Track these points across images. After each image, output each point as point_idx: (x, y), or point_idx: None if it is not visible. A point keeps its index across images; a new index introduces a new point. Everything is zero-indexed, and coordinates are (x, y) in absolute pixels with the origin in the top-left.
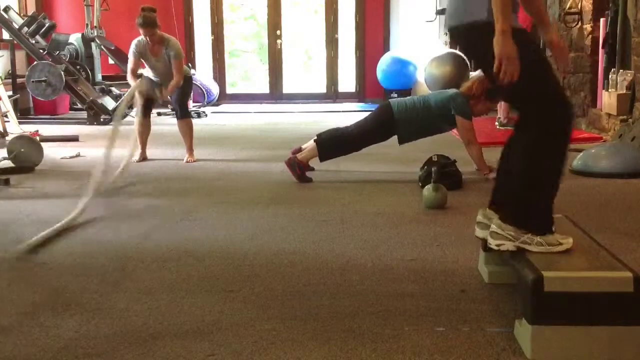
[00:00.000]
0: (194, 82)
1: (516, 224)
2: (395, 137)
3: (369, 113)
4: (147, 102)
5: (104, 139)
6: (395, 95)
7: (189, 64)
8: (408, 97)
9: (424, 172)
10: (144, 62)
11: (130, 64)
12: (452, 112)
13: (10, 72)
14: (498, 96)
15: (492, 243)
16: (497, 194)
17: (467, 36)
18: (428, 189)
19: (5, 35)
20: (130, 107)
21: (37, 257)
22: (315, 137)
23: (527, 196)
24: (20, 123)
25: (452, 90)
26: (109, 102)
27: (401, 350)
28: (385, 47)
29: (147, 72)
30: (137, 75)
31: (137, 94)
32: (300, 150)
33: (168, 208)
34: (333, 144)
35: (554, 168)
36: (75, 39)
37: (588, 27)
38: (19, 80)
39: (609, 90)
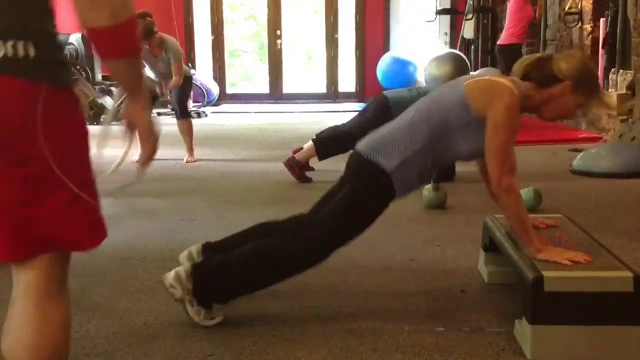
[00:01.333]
0: (194, 82)
1: (197, 286)
2: None
3: (364, 106)
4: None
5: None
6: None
7: (189, 64)
8: (403, 88)
9: None
10: (144, 62)
11: None
12: None
13: None
14: None
15: (168, 279)
16: (223, 243)
17: (360, 167)
18: (428, 189)
19: None
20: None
21: None
22: (314, 137)
23: (230, 275)
24: None
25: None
26: (109, 102)
27: (401, 350)
28: (385, 47)
29: (147, 71)
30: None
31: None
32: (300, 150)
33: (168, 208)
34: (331, 142)
35: (269, 276)
36: (75, 39)
37: (588, 27)
38: None
39: (609, 90)
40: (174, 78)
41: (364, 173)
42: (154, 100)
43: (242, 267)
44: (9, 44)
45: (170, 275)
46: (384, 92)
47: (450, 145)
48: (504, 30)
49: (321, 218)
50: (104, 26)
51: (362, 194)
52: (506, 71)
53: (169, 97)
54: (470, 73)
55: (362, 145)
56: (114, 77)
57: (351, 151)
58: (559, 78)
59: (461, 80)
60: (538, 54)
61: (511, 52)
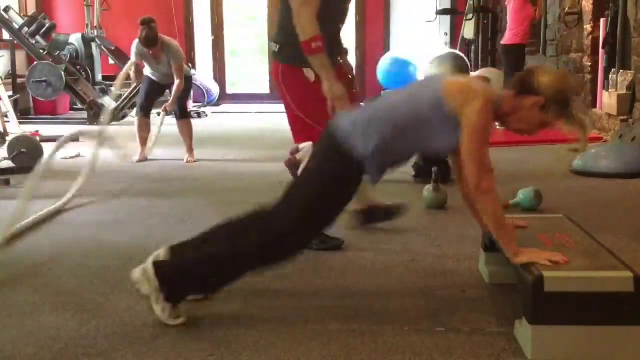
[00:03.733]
0: (194, 82)
1: (163, 280)
2: None
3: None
4: (148, 102)
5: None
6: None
7: (189, 64)
8: (401, 88)
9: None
10: (145, 63)
11: (132, 63)
12: None
13: (10, 72)
14: None
15: (135, 275)
16: (189, 242)
17: (331, 149)
18: (428, 189)
19: (5, 35)
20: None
21: (37, 257)
22: None
23: (196, 268)
24: (20, 123)
25: None
26: (109, 102)
27: (401, 350)
28: (385, 47)
29: (147, 71)
30: (141, 74)
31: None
32: (297, 150)
33: (168, 208)
34: None
35: (239, 269)
36: (75, 39)
37: (588, 27)
38: (19, 80)
39: (609, 90)
40: (175, 81)
41: (335, 155)
42: (154, 102)
43: (204, 263)
44: (272, 44)
45: (137, 271)
46: (383, 93)
47: (422, 138)
48: (507, 30)
49: (288, 207)
50: (301, 40)
51: (331, 175)
52: (509, 71)
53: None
54: (471, 73)
55: (335, 126)
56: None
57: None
58: (535, 91)
59: (439, 76)
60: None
61: (515, 52)
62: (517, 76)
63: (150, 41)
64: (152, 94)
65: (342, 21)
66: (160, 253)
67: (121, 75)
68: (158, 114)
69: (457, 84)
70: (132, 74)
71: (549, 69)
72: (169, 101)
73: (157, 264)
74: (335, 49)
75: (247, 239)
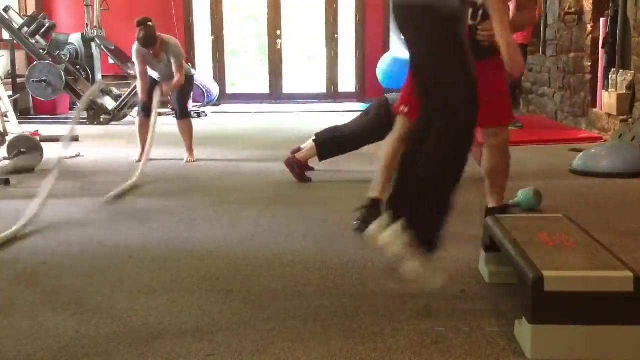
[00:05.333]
0: (194, 82)
1: (417, 229)
2: None
3: (366, 108)
4: (148, 102)
5: (103, 139)
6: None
7: (189, 64)
8: None
9: None
10: (146, 64)
11: (137, 69)
12: None
13: (10, 72)
14: None
15: (385, 239)
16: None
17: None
18: None
19: (5, 35)
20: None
21: (37, 257)
22: (314, 137)
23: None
24: (20, 123)
25: None
26: (109, 102)
27: (401, 350)
28: (385, 47)
29: (150, 72)
30: (146, 77)
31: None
32: (299, 150)
33: (168, 208)
34: (332, 143)
35: (457, 172)
36: (75, 39)
37: (588, 27)
38: (19, 80)
39: (609, 90)
40: (176, 77)
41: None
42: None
43: (432, 185)
44: None
45: (386, 234)
46: (386, 96)
47: None
48: None
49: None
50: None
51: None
52: None
53: (169, 97)
54: None
55: None
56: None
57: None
58: None
59: None
60: None
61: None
62: None
63: (149, 41)
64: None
65: None
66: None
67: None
68: (158, 114)
69: None
70: (139, 82)
71: None
72: (167, 85)
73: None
74: None
75: (438, 133)
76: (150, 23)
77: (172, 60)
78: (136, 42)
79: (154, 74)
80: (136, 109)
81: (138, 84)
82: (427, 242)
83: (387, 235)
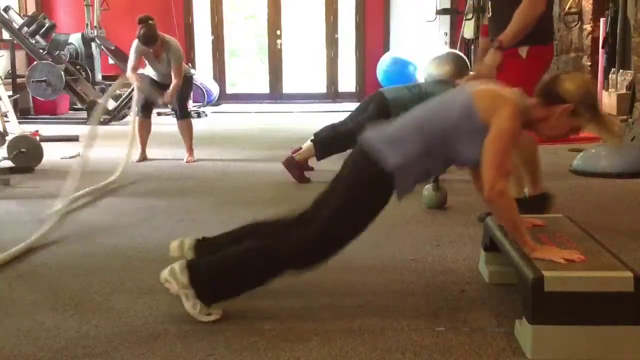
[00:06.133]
0: (194, 82)
1: (193, 280)
2: None
3: (359, 104)
4: (148, 102)
5: (103, 139)
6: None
7: (189, 64)
8: (402, 86)
9: None
10: (145, 61)
11: (131, 62)
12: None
13: (10, 72)
14: None
15: (164, 275)
16: (215, 240)
17: (363, 161)
18: (428, 189)
19: (5, 35)
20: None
21: (37, 257)
22: (312, 137)
23: (223, 274)
24: (20, 123)
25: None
26: (109, 102)
27: (401, 350)
28: (385, 47)
29: (148, 71)
30: (137, 73)
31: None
32: (300, 150)
33: (168, 208)
34: (330, 141)
35: (262, 276)
36: (75, 39)
37: (588, 27)
38: (19, 80)
39: (609, 90)
40: (174, 80)
41: (366, 167)
42: (154, 102)
43: (235, 267)
44: None
45: (165, 271)
46: (381, 90)
47: (453, 149)
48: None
49: (317, 216)
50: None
51: (361, 188)
52: None
53: (169, 105)
54: (471, 73)
55: (366, 139)
56: None
57: (354, 146)
58: (562, 99)
59: (468, 86)
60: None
61: None
62: (541, 85)
63: (149, 39)
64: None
65: None
66: (186, 242)
67: (117, 83)
68: (158, 114)
69: (487, 93)
70: (130, 78)
71: (571, 76)
72: (167, 93)
73: (189, 263)
74: None
75: (275, 245)
76: (151, 21)
77: (172, 62)
78: (137, 40)
79: (153, 74)
80: (135, 109)
81: (129, 77)
82: (201, 292)
83: (167, 271)
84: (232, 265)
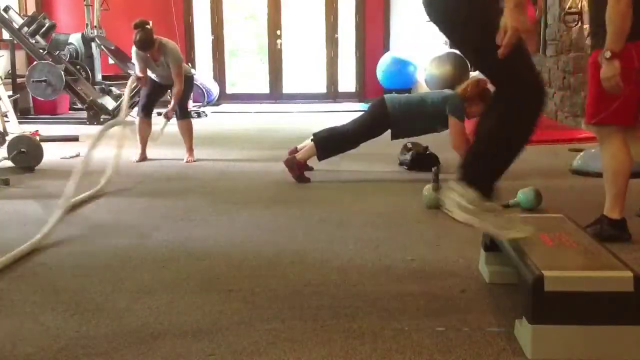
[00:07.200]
0: (194, 82)
1: (465, 177)
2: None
3: (364, 110)
4: (149, 102)
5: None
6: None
7: (189, 64)
8: (404, 94)
9: (409, 155)
10: (145, 66)
11: (137, 68)
12: (446, 113)
13: (10, 72)
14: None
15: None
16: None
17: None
18: (428, 189)
19: (5, 35)
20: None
21: (37, 257)
22: (312, 137)
23: (481, 156)
24: (20, 123)
25: (449, 91)
26: (109, 102)
27: (401, 350)
28: (385, 47)
29: (149, 73)
30: (146, 73)
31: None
32: (296, 150)
33: (168, 208)
34: (330, 142)
35: (513, 146)
36: (75, 39)
37: (588, 27)
38: (19, 80)
39: None
40: (175, 84)
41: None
42: (155, 102)
43: (491, 145)
44: None
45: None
46: (384, 95)
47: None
48: None
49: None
50: None
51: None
52: None
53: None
54: (470, 74)
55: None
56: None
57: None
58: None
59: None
60: None
61: None
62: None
63: (145, 44)
64: (154, 95)
65: None
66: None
67: (130, 84)
68: (159, 114)
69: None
70: (139, 78)
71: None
72: (169, 107)
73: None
74: None
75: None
76: (147, 26)
77: (171, 65)
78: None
79: (154, 76)
80: (136, 108)
81: (138, 80)
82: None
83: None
84: (490, 143)
